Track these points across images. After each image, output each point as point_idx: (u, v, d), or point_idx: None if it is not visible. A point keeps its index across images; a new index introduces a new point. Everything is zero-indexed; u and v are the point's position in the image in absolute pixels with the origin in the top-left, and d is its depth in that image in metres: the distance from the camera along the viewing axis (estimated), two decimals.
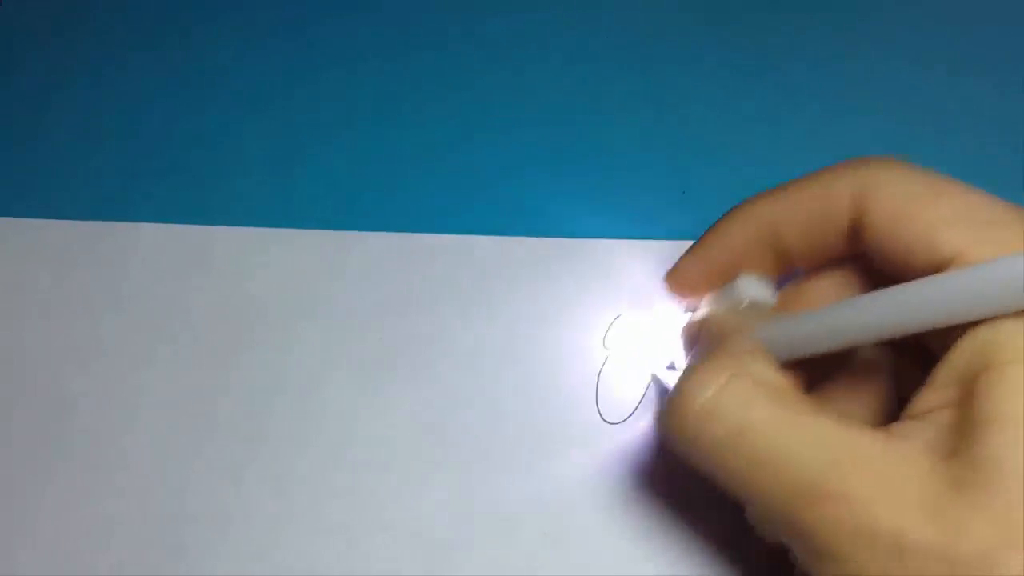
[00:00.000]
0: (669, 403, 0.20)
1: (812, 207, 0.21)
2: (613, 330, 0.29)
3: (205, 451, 0.28)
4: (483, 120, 0.34)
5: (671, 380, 0.22)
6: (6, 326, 0.31)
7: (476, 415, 0.28)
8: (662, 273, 0.29)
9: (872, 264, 0.21)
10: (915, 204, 0.19)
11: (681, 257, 0.24)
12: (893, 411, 0.21)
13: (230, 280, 0.31)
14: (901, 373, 0.22)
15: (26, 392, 0.30)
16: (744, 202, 0.23)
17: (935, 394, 0.18)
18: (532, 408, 0.28)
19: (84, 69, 0.36)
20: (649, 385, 0.28)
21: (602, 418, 0.28)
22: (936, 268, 0.19)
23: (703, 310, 0.24)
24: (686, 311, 0.25)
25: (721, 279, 0.23)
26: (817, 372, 0.22)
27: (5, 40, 0.37)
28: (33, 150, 0.34)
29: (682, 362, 0.25)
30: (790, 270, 0.23)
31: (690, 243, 0.30)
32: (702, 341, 0.23)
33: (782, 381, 0.19)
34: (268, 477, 0.28)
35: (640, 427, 0.28)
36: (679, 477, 0.27)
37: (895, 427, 0.18)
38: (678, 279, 0.24)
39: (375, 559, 0.27)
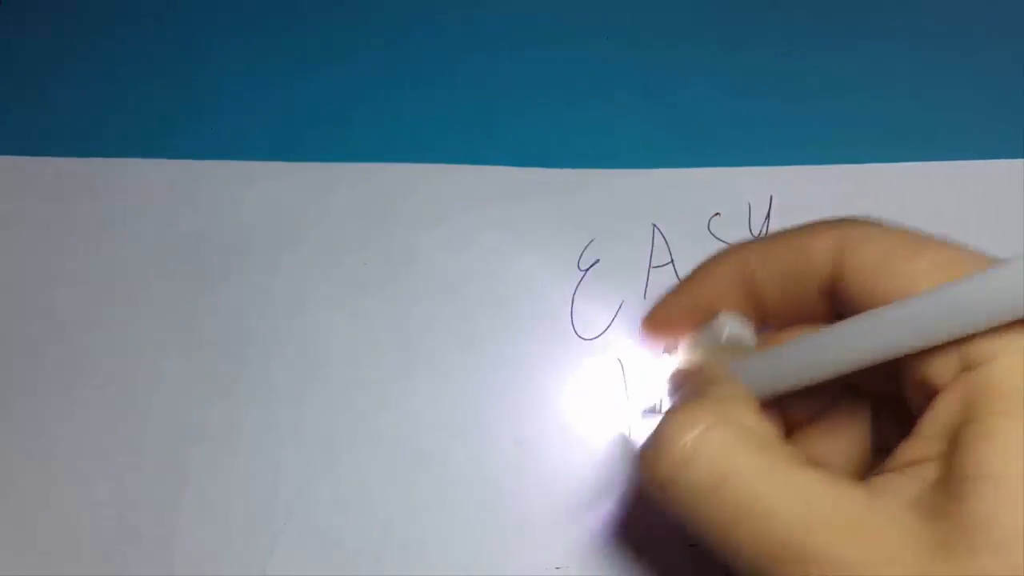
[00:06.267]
0: (647, 445, 0.19)
1: (789, 257, 0.20)
2: (587, 253, 0.30)
3: (195, 368, 0.29)
4: (468, 51, 0.35)
5: (650, 425, 0.21)
6: (7, 257, 0.32)
7: (454, 332, 0.29)
8: (633, 199, 0.30)
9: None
10: (894, 258, 0.18)
11: (657, 302, 0.23)
12: (869, 461, 0.21)
13: (220, 209, 0.32)
14: (878, 428, 0.21)
15: (24, 315, 0.31)
16: (727, 247, 0.22)
17: (920, 445, 0.17)
18: (509, 325, 0.29)
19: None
20: (622, 305, 0.29)
21: (576, 334, 0.29)
22: None
23: (683, 354, 0.23)
24: (664, 352, 0.24)
25: (700, 320, 0.22)
26: (798, 416, 0.22)
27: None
28: (25, 91, 0.35)
29: (666, 405, 0.24)
30: (765, 323, 0.22)
31: (667, 170, 0.31)
32: (684, 385, 0.22)
33: (765, 428, 0.18)
34: (255, 392, 0.29)
35: (612, 342, 0.29)
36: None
37: (877, 481, 0.17)
38: (656, 320, 0.23)
39: (356, 467, 0.28)
